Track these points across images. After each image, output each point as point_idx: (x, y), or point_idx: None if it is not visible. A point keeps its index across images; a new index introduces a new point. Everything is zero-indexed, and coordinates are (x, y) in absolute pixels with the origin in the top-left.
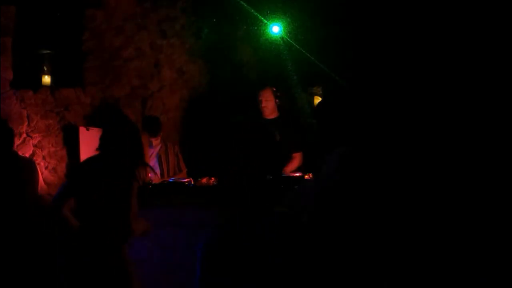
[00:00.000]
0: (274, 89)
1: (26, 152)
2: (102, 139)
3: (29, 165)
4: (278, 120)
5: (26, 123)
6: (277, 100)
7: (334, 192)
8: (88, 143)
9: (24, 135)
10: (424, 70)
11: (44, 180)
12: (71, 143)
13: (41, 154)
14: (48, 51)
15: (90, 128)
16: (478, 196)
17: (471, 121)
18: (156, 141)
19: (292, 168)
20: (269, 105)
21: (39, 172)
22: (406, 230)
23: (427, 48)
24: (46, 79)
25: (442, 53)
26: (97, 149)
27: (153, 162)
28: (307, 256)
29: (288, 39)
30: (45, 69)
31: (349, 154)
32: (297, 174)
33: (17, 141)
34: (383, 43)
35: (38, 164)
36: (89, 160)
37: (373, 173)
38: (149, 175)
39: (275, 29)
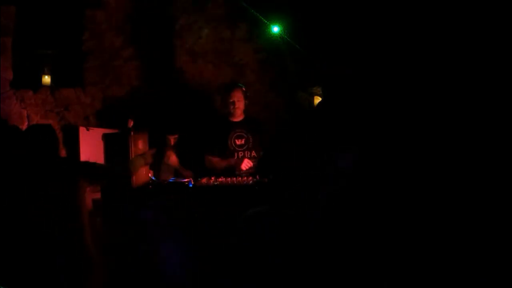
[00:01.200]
0: (244, 89)
1: None
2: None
3: None
4: (245, 122)
5: (26, 123)
6: (246, 101)
7: (351, 195)
8: (88, 143)
9: None
10: (427, 69)
11: None
12: (71, 143)
13: None
14: (48, 51)
15: (90, 128)
16: (478, 196)
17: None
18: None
19: None
20: (241, 106)
21: None
22: (407, 230)
23: (429, 47)
24: (46, 79)
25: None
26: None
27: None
28: (310, 257)
29: (288, 39)
30: (45, 69)
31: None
32: None
33: None
34: (385, 41)
35: None
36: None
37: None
38: (150, 175)
39: (275, 29)
